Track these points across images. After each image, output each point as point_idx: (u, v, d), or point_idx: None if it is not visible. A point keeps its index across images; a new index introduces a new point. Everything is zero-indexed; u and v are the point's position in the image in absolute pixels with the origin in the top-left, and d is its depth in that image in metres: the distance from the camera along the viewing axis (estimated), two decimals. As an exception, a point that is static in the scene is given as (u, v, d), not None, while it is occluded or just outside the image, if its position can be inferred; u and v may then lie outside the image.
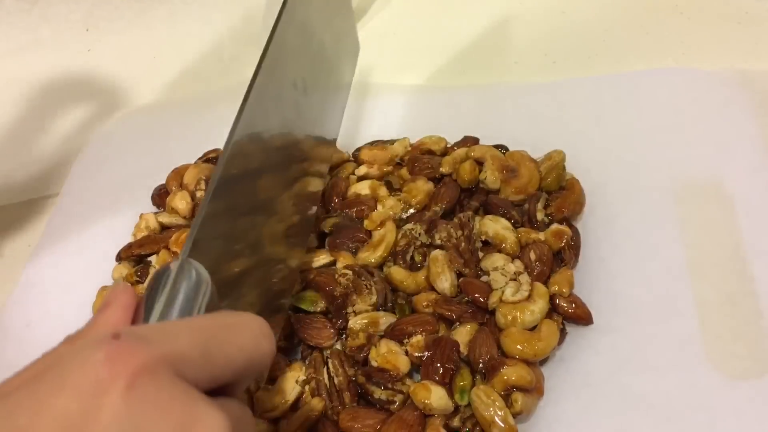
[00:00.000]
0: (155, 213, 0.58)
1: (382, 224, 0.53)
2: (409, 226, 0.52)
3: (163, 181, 0.60)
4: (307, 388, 0.46)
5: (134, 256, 0.55)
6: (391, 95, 0.64)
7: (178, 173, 0.59)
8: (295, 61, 0.49)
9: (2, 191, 0.64)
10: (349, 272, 0.50)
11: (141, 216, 0.57)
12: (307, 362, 0.47)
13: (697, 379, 0.45)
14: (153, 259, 0.55)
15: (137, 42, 0.72)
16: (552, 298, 0.48)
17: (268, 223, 0.47)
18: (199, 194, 0.57)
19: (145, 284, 0.51)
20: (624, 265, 0.51)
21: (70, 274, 0.57)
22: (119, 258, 0.55)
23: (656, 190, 0.54)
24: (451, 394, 0.44)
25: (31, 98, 0.68)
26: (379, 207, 0.54)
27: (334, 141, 0.58)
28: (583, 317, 0.48)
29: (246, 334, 0.30)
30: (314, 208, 0.53)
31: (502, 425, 0.42)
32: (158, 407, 0.25)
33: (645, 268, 0.50)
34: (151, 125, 0.68)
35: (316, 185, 0.54)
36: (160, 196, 0.59)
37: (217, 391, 0.29)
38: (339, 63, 0.57)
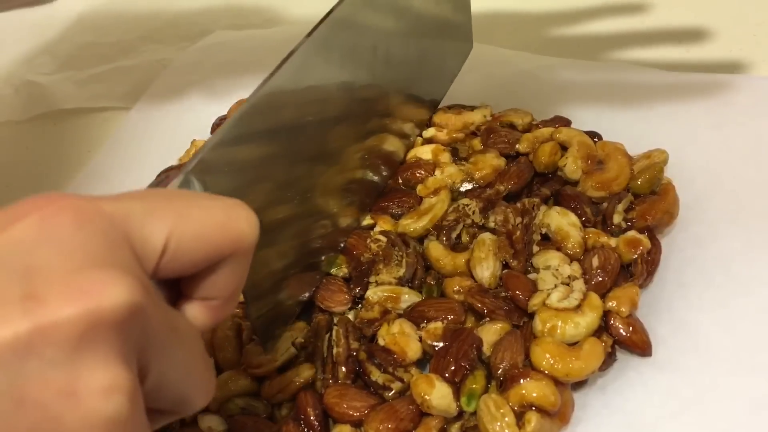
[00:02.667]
0: (208, 140, 0.55)
1: (436, 192, 0.47)
2: (464, 200, 0.46)
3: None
4: (303, 353, 0.41)
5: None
6: (487, 59, 0.57)
7: (240, 105, 0.56)
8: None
9: (79, 94, 0.64)
10: (383, 239, 0.45)
11: (193, 142, 0.54)
12: (310, 325, 0.42)
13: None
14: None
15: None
16: (606, 315, 0.40)
17: (327, 173, 0.43)
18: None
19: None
20: (708, 298, 0.42)
21: (115, 189, 0.55)
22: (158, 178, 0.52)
23: (770, 218, 0.44)
24: (457, 396, 0.38)
25: (126, 18, 0.67)
26: (437, 173, 0.48)
27: (433, 103, 0.53)
28: (639, 345, 0.40)
29: (216, 203, 0.26)
30: (384, 169, 0.48)
31: (505, 447, 0.35)
32: (65, 246, 0.21)
33: (733, 306, 0.41)
34: (232, 54, 0.65)
35: (394, 145, 0.49)
36: (219, 126, 0.56)
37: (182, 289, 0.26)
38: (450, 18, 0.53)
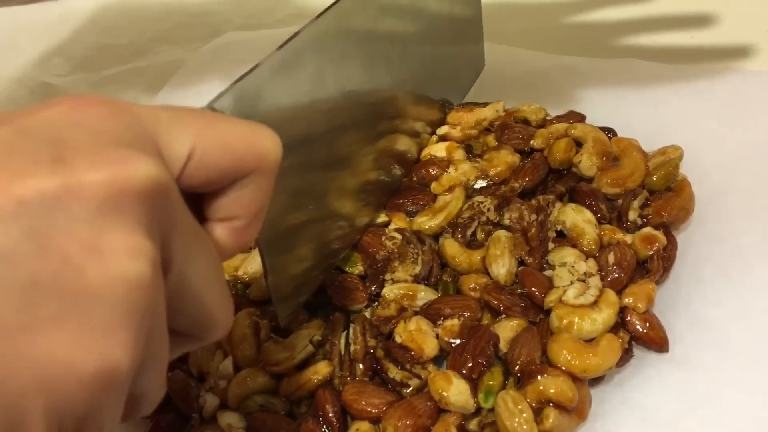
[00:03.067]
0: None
1: (450, 189, 0.47)
2: (479, 198, 0.46)
3: (242, 110, 0.57)
4: (321, 351, 0.41)
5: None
6: (497, 58, 0.57)
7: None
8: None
9: (93, 95, 0.64)
10: (398, 236, 0.45)
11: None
12: (327, 323, 0.42)
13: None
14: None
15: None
16: (623, 311, 0.40)
17: (340, 177, 0.43)
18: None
19: None
20: (725, 294, 0.42)
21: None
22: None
23: (789, 213, 0.44)
24: (475, 392, 0.38)
25: (139, 19, 0.68)
26: (451, 170, 0.48)
27: (446, 103, 0.53)
28: (656, 341, 0.40)
29: (241, 120, 0.26)
30: (398, 168, 0.48)
31: (524, 442, 0.35)
32: (94, 130, 0.22)
33: (751, 301, 0.41)
34: (245, 55, 0.65)
35: (406, 145, 0.49)
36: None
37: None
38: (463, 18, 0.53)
